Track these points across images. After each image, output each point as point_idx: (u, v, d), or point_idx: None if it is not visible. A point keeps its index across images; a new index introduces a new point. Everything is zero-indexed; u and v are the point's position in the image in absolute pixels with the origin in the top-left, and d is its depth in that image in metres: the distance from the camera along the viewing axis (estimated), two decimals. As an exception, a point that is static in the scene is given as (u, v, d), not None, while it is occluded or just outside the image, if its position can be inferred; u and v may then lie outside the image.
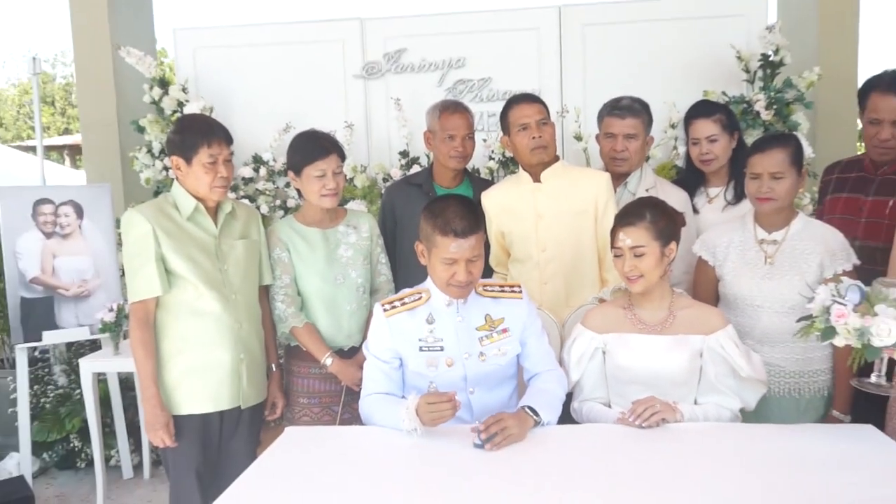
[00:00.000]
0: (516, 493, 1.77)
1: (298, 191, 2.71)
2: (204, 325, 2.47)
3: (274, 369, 2.76)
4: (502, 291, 2.35)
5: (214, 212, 2.55)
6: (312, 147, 2.63)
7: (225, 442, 2.58)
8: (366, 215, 2.87)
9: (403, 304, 2.28)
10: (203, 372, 2.48)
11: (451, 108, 2.96)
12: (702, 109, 2.97)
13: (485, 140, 3.93)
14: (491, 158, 3.93)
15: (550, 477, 1.85)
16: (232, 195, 4.08)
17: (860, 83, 2.82)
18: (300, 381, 2.73)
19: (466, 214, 2.16)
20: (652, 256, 2.22)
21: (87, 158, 4.72)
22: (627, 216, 2.27)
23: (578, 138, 3.85)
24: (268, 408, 2.74)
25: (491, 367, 2.28)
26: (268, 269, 2.68)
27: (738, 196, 2.88)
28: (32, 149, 11.18)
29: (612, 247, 2.29)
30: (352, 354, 2.72)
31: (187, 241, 2.46)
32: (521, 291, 2.36)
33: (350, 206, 3.82)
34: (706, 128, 2.90)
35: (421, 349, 2.25)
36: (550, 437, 2.13)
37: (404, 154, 4.04)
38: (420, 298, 2.29)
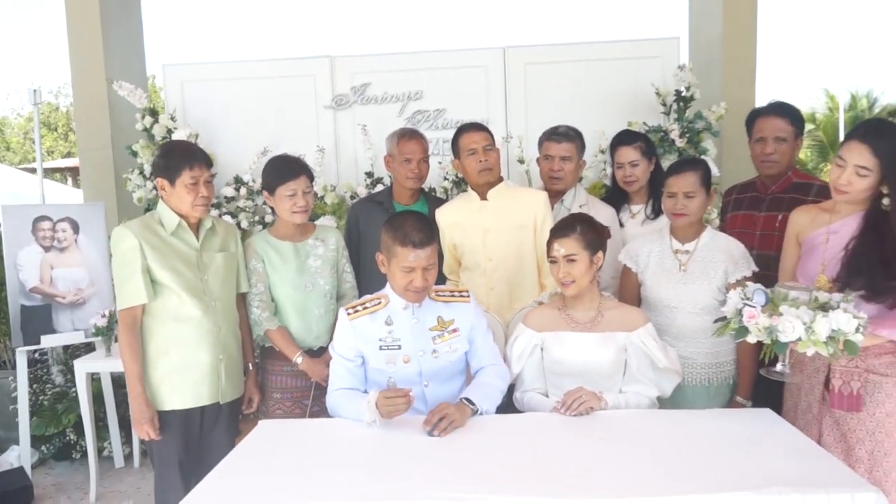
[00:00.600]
0: (465, 474, 1.76)
1: (272, 208, 2.67)
2: (186, 329, 2.42)
3: (250, 368, 2.71)
4: (452, 296, 2.36)
5: (196, 227, 2.50)
6: (284, 169, 2.59)
7: (206, 434, 2.52)
8: (333, 230, 2.85)
9: (365, 308, 2.28)
10: (185, 371, 2.43)
11: (408, 136, 2.95)
12: (624, 138, 3.01)
13: (440, 163, 3.93)
14: (445, 179, 3.93)
15: (494, 459, 1.85)
16: (215, 212, 4.02)
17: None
18: (274, 378, 2.69)
19: (423, 228, 2.18)
20: (582, 263, 2.25)
21: (85, 179, 4.60)
22: (561, 229, 2.30)
23: (521, 161, 3.87)
24: (245, 402, 2.69)
25: (443, 363, 2.28)
26: (245, 279, 2.64)
27: (656, 212, 2.93)
28: (33, 171, 10.86)
29: (549, 255, 2.31)
30: (320, 354, 2.68)
31: (171, 254, 2.41)
32: (468, 296, 2.37)
33: (321, 221, 3.79)
34: (628, 154, 2.95)
35: (381, 348, 2.24)
36: (495, 424, 2.13)
37: (370, 174, 4.02)
38: (380, 303, 2.29)
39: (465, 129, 2.81)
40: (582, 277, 2.26)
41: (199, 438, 2.51)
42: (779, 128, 2.73)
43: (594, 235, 2.29)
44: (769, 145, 2.73)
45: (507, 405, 2.40)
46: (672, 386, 2.30)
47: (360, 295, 2.80)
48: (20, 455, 3.81)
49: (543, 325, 2.35)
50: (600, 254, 2.30)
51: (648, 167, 2.98)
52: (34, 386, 4.06)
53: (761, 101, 4.25)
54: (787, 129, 2.74)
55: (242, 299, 2.67)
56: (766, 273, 2.51)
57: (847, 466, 1.78)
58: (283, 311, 2.66)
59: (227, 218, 3.98)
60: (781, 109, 2.76)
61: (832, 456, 1.83)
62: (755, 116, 2.81)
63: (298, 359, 2.61)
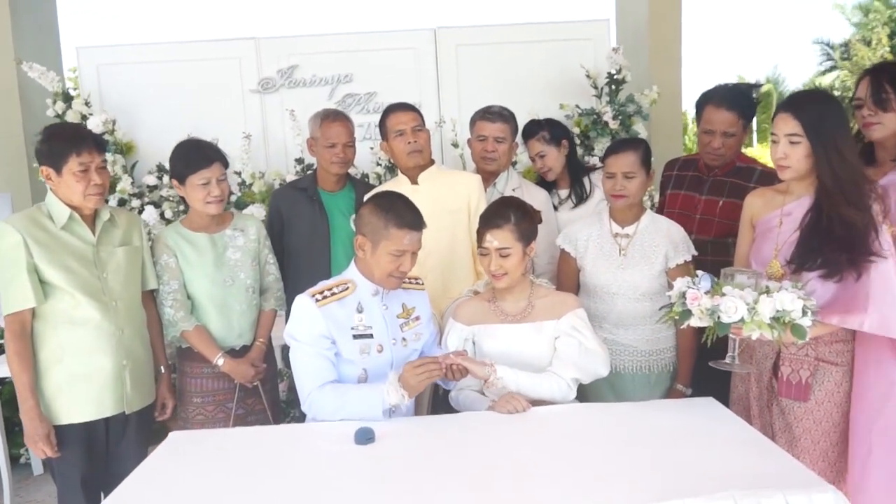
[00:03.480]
0: (391, 481, 1.54)
1: (183, 198, 2.32)
2: (83, 333, 2.05)
3: (163, 371, 2.36)
4: (410, 283, 2.12)
5: (92, 220, 2.13)
6: (195, 156, 2.25)
7: (113, 446, 2.17)
8: (252, 218, 2.51)
9: (333, 293, 1.96)
10: (84, 380, 2.07)
11: (332, 117, 2.63)
12: (528, 130, 2.81)
13: (372, 148, 3.67)
14: (378, 164, 3.66)
15: (429, 462, 1.63)
16: (137, 202, 3.65)
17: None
18: (192, 381, 2.34)
19: (415, 209, 1.99)
20: (516, 256, 2.02)
21: (-1, 168, 4.12)
22: (493, 218, 2.05)
23: (455, 145, 3.65)
24: (158, 408, 2.34)
25: (410, 352, 2.06)
26: (152, 274, 2.28)
27: (580, 198, 2.76)
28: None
29: (479, 245, 2.06)
30: (243, 353, 2.36)
31: (61, 250, 2.03)
32: (423, 283, 2.18)
33: (248, 210, 3.46)
34: (534, 146, 2.78)
35: (354, 336, 1.95)
36: (430, 425, 1.90)
37: (300, 161, 3.71)
38: (347, 289, 1.98)
39: (392, 109, 2.52)
40: (515, 270, 2.03)
41: (106, 451, 2.16)
42: (728, 122, 2.45)
43: (528, 225, 2.05)
44: (716, 139, 2.47)
45: (444, 404, 2.17)
46: (601, 369, 2.03)
47: (286, 287, 2.51)
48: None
49: (473, 318, 2.12)
50: (533, 244, 2.08)
51: (559, 153, 2.77)
52: (-58, 391, 3.58)
53: (688, 85, 4.15)
54: (735, 124, 2.46)
55: (150, 297, 2.31)
56: (703, 258, 2.34)
57: (797, 461, 1.59)
58: (201, 308, 2.32)
59: (150, 209, 3.60)
60: (732, 101, 2.46)
61: (780, 449, 1.65)
62: (705, 102, 2.52)
63: (220, 360, 2.28)
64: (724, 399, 2.08)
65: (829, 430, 1.90)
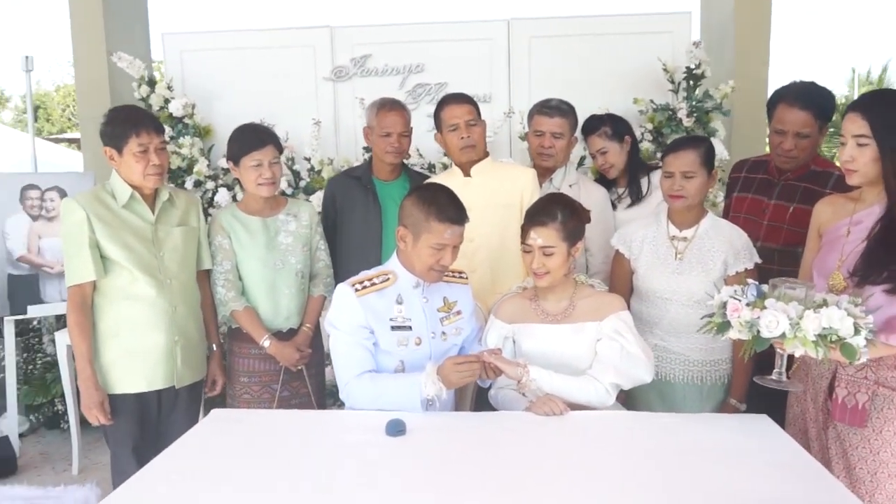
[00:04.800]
0: (415, 475, 1.53)
1: (238, 181, 2.40)
2: (139, 308, 2.16)
3: (214, 349, 2.46)
4: (453, 277, 2.12)
5: (153, 199, 2.24)
6: (249, 138, 2.33)
7: (164, 418, 2.28)
8: (306, 204, 2.56)
9: (373, 284, 1.98)
10: (138, 353, 2.18)
11: (388, 107, 2.64)
12: (589, 126, 2.72)
13: (440, 138, 3.65)
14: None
15: (457, 459, 1.61)
16: (212, 184, 3.80)
17: (770, 94, 2.53)
18: (241, 360, 2.43)
19: (457, 202, 1.97)
20: (560, 256, 1.97)
21: (85, 148, 4.37)
22: (539, 215, 1.99)
23: (523, 138, 3.58)
24: (208, 384, 2.44)
25: (449, 346, 2.05)
26: (207, 255, 2.37)
27: (637, 195, 2.66)
28: (74, 141, 10.71)
29: (523, 242, 2.02)
30: (289, 336, 2.42)
31: (122, 227, 2.15)
32: (466, 277, 2.16)
33: (317, 195, 3.55)
34: (595, 142, 2.69)
35: (392, 328, 1.96)
36: (463, 421, 1.89)
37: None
38: (388, 280, 2.00)
39: (446, 101, 2.50)
40: (558, 270, 1.98)
41: (157, 421, 2.28)
42: (801, 122, 2.28)
43: (575, 224, 1.99)
44: (788, 140, 2.31)
45: (483, 403, 2.15)
46: (643, 374, 1.94)
47: (337, 274, 2.56)
48: (9, 424, 3.64)
49: (514, 317, 2.08)
50: (579, 244, 2.02)
51: (622, 149, 2.68)
52: (25, 355, 3.88)
53: (774, 81, 3.92)
54: (810, 124, 2.29)
55: (205, 277, 2.41)
56: (769, 267, 2.21)
57: (848, 489, 1.48)
58: (251, 290, 2.40)
59: (223, 191, 3.75)
60: (807, 100, 2.29)
61: (833, 477, 1.53)
62: (777, 100, 2.36)
63: (266, 342, 2.35)
64: (781, 418, 1.97)
65: (888, 461, 1.75)
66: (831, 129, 3.02)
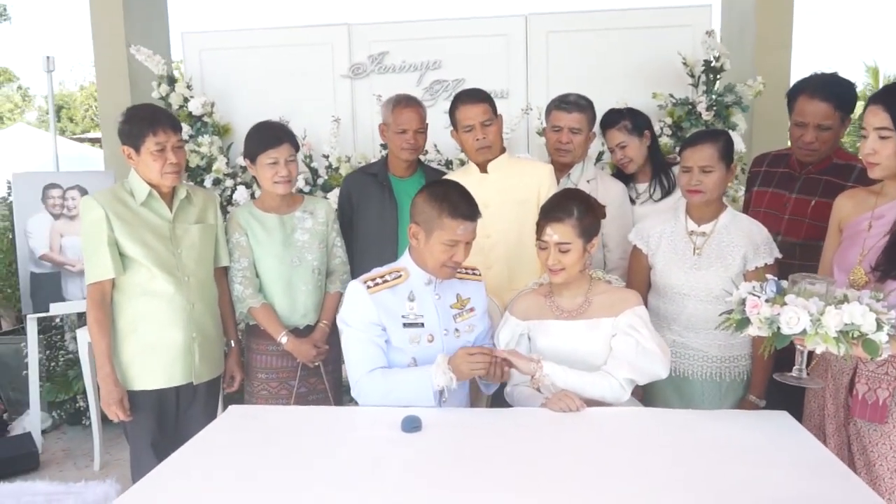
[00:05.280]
0: (430, 470, 1.54)
1: (255, 178, 2.42)
2: (157, 305, 2.19)
3: (233, 345, 2.48)
4: (466, 273, 2.12)
5: (170, 197, 2.27)
6: (266, 136, 2.35)
7: (182, 414, 2.31)
8: (322, 201, 2.58)
9: (385, 281, 1.99)
10: (156, 350, 2.21)
11: (404, 103, 2.65)
12: (607, 120, 2.69)
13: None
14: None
15: (472, 455, 1.62)
16: (231, 182, 3.84)
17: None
18: (259, 357, 2.46)
19: (470, 198, 1.96)
20: (575, 252, 1.96)
21: (106, 147, 4.44)
22: (555, 211, 1.98)
23: (541, 134, 3.57)
24: (226, 381, 2.47)
25: (462, 343, 2.04)
26: (225, 252, 2.40)
27: (664, 191, 2.62)
28: (97, 140, 10.88)
29: (538, 238, 2.01)
30: (306, 333, 2.44)
31: (140, 225, 2.18)
32: (480, 274, 2.16)
33: (334, 192, 3.57)
34: (614, 136, 2.66)
35: (404, 325, 1.97)
36: (479, 417, 1.90)
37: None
38: (400, 276, 2.01)
39: (461, 100, 2.48)
40: (573, 266, 1.97)
41: (176, 417, 2.31)
42: (822, 114, 2.25)
43: (591, 221, 1.98)
44: (809, 133, 2.28)
45: (499, 399, 2.15)
46: (659, 370, 1.92)
47: (353, 270, 2.57)
48: (32, 420, 3.70)
49: (528, 313, 2.07)
50: (595, 240, 2.01)
51: (642, 144, 2.65)
52: (48, 352, 3.95)
53: (796, 75, 3.86)
54: (831, 116, 2.25)
55: (223, 274, 2.44)
56: (790, 262, 2.18)
57: (869, 488, 1.46)
58: (268, 287, 2.42)
59: (242, 189, 3.78)
60: (827, 91, 2.25)
61: (853, 475, 1.52)
62: (797, 92, 2.33)
63: (283, 338, 2.38)
64: (801, 414, 1.95)
65: None
66: (854, 122, 2.97)
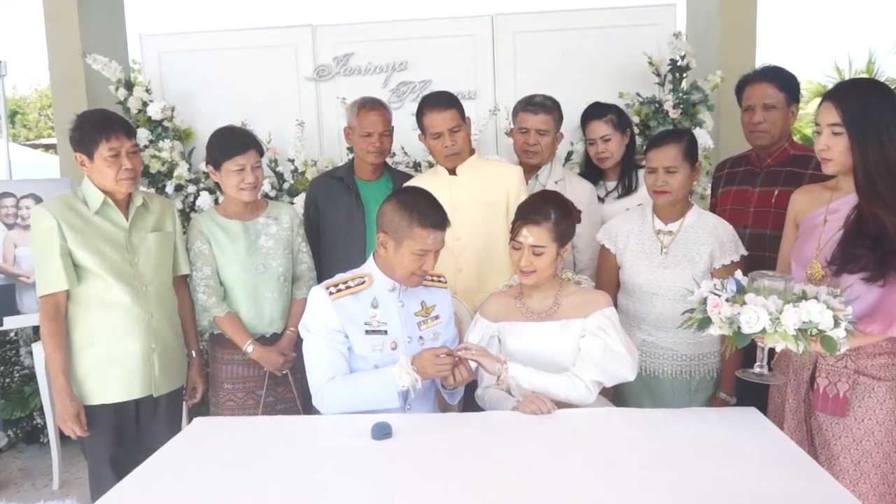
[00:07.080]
0: (403, 478, 1.54)
1: (217, 184, 2.40)
2: (114, 316, 2.16)
3: (194, 355, 2.45)
4: (432, 281, 2.11)
5: (126, 205, 2.23)
6: (230, 142, 2.33)
7: (143, 428, 2.28)
8: (286, 206, 2.57)
9: (348, 287, 1.98)
10: (113, 362, 2.17)
11: (369, 106, 2.65)
12: (594, 112, 2.74)
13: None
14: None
15: (444, 461, 1.63)
16: (193, 188, 3.79)
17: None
18: (224, 367, 2.43)
19: (439, 207, 1.96)
20: (549, 256, 1.98)
21: (62, 153, 4.36)
22: (532, 213, 1.99)
23: (509, 134, 3.59)
24: (188, 392, 2.44)
25: None
26: (184, 260, 2.38)
27: (627, 189, 2.68)
28: (52, 146, 10.66)
29: (512, 238, 2.02)
30: (273, 341, 2.43)
31: (95, 234, 2.14)
32: (446, 282, 2.16)
33: (300, 197, 3.55)
34: (599, 129, 2.69)
35: (367, 332, 1.96)
36: (450, 422, 1.90)
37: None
38: (364, 283, 2.00)
39: (428, 106, 2.47)
40: (545, 270, 1.99)
41: (136, 432, 2.27)
42: (766, 94, 2.43)
43: (567, 225, 2.01)
44: (757, 113, 2.44)
45: (470, 403, 2.17)
46: (626, 372, 1.95)
47: (320, 276, 2.56)
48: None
49: (499, 315, 2.09)
50: (568, 245, 2.04)
51: (622, 141, 2.70)
52: (2, 368, 3.86)
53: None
54: (775, 96, 2.43)
55: (183, 282, 2.41)
56: (762, 254, 2.25)
57: (837, 482, 1.51)
58: (233, 295, 2.40)
59: (205, 194, 3.75)
60: (769, 74, 2.46)
61: (821, 469, 1.56)
62: (743, 84, 2.53)
63: (249, 347, 2.36)
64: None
65: (871, 450, 1.79)
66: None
